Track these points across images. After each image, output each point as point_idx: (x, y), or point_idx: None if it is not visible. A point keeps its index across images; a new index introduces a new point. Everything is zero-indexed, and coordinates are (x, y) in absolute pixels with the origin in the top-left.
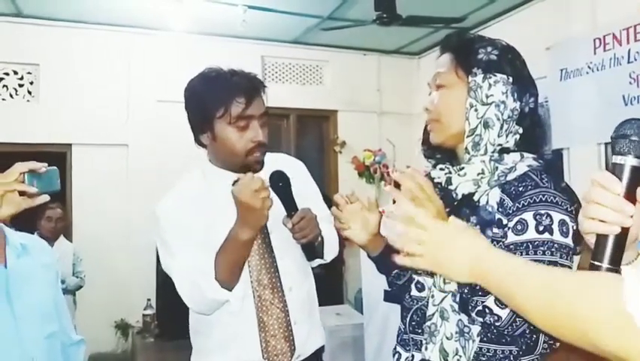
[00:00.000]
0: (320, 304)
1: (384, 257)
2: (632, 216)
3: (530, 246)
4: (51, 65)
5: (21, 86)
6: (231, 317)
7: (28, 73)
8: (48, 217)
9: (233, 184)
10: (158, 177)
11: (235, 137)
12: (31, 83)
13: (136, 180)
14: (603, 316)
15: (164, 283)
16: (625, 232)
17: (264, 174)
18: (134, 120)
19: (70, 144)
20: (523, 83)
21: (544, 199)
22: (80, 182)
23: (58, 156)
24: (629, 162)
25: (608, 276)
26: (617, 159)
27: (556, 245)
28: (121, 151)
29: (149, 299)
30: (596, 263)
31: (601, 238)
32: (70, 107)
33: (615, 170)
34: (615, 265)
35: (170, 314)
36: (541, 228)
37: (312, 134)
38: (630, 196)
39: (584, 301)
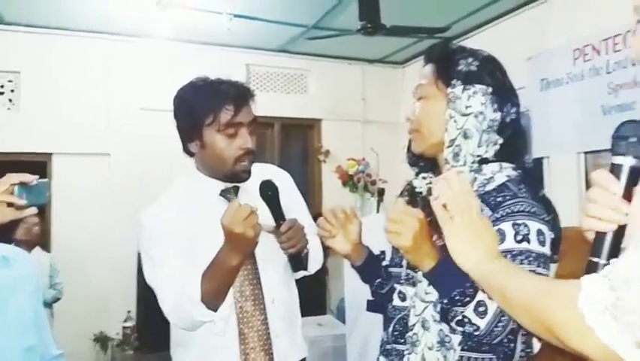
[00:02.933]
0: (302, 315)
1: (368, 266)
2: (627, 215)
3: (509, 255)
4: (32, 73)
5: (1, 94)
6: (212, 329)
7: (9, 81)
8: (24, 226)
9: (220, 194)
10: (140, 187)
11: (224, 144)
12: (12, 91)
13: (118, 190)
14: (565, 318)
15: (145, 295)
16: (621, 229)
17: (252, 184)
18: (116, 129)
19: (50, 154)
20: (504, 94)
21: (522, 209)
22: (61, 192)
23: (38, 166)
24: (627, 162)
25: (573, 282)
26: (616, 160)
27: (533, 254)
28: (102, 160)
29: (129, 311)
30: (594, 260)
31: (598, 236)
32: (52, 115)
33: (614, 170)
34: None
35: (150, 326)
36: (519, 237)
37: (296, 142)
38: (629, 195)
39: (551, 305)
